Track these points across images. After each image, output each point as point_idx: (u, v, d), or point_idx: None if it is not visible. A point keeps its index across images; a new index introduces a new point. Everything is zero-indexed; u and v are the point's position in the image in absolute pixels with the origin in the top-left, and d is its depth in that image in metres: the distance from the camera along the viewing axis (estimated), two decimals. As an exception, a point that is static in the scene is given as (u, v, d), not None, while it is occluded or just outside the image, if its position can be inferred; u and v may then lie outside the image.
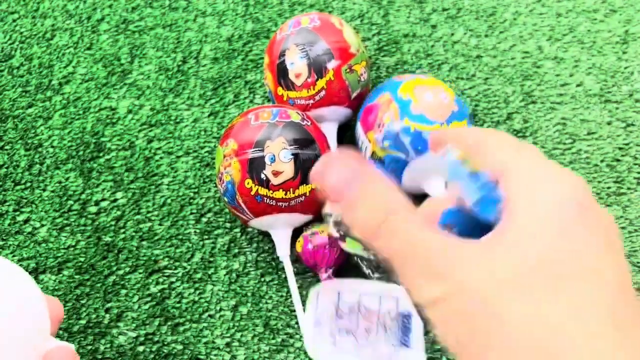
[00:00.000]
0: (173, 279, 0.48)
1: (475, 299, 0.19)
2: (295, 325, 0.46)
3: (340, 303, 0.44)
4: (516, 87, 0.56)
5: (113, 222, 0.51)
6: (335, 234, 0.44)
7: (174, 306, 0.47)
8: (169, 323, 0.46)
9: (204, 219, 0.51)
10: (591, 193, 0.21)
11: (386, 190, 0.22)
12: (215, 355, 0.45)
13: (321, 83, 0.48)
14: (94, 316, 0.47)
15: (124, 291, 0.48)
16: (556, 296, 0.18)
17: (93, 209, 0.51)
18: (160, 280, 0.48)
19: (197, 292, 0.47)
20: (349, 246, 0.44)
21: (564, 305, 0.18)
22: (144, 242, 0.50)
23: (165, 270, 0.49)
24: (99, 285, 0.48)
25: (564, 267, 0.19)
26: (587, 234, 0.19)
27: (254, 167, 0.43)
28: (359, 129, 0.49)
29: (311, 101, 0.49)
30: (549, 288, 0.18)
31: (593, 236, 0.20)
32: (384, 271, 0.45)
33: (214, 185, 0.52)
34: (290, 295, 0.47)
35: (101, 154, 0.54)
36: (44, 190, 0.53)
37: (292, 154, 0.43)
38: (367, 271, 0.45)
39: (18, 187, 0.53)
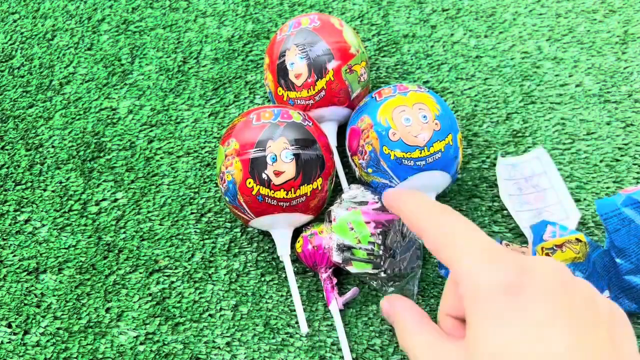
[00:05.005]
0: (173, 279, 0.48)
1: None
2: (295, 325, 0.46)
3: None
4: (515, 87, 0.57)
5: (113, 222, 0.51)
6: (338, 260, 0.44)
7: (174, 306, 0.47)
8: (170, 323, 0.46)
9: (204, 219, 0.51)
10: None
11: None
12: (215, 354, 0.45)
13: (321, 83, 0.48)
14: (94, 316, 0.47)
15: (124, 291, 0.48)
16: None
17: (94, 209, 0.52)
18: (161, 280, 0.48)
19: (198, 291, 0.48)
20: (356, 267, 0.45)
21: None
22: (145, 242, 0.50)
23: (166, 270, 0.49)
24: (99, 285, 0.48)
25: None
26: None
27: (255, 167, 0.43)
28: (347, 148, 0.49)
29: (311, 101, 0.49)
30: None
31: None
32: (395, 283, 0.45)
33: (214, 185, 0.52)
34: (291, 295, 0.47)
35: (102, 154, 0.54)
36: (45, 190, 0.53)
37: (294, 154, 0.43)
38: (378, 286, 0.45)
39: (19, 187, 0.53)
